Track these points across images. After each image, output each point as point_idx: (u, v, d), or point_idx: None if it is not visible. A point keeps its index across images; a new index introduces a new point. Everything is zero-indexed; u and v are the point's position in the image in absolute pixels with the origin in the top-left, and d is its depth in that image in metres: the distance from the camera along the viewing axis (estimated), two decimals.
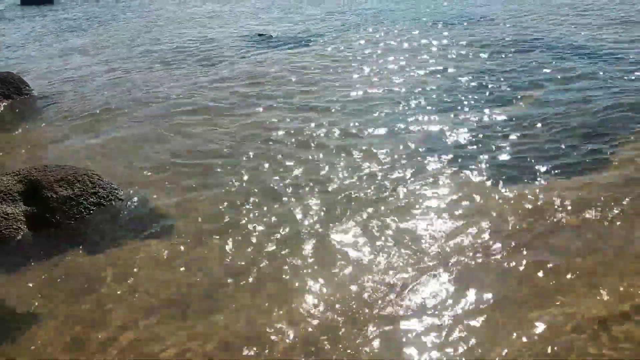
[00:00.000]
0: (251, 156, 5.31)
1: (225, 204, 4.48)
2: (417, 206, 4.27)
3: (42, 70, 9.43)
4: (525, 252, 3.63)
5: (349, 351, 2.94)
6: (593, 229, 3.83)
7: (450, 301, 3.25)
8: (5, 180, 4.51)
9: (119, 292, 3.53)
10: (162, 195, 4.71)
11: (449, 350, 2.89)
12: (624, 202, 4.07)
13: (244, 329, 3.14)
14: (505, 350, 2.85)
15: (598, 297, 3.17)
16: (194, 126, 6.20)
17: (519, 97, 6.38)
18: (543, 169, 4.68)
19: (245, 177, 4.90)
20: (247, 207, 4.43)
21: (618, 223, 3.87)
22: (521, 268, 3.48)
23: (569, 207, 4.08)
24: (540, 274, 3.41)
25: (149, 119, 6.59)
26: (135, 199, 4.66)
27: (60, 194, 4.41)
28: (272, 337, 3.07)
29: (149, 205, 4.56)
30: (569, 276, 3.37)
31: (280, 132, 5.84)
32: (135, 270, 3.75)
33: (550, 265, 3.48)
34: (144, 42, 11.16)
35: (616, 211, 3.99)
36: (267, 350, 2.98)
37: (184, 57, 9.52)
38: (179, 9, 15.28)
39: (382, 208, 4.26)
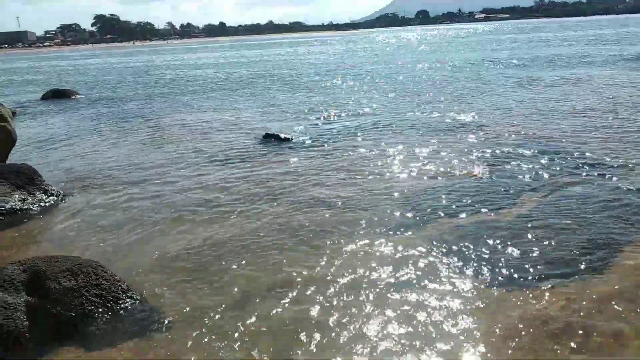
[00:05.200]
0: (256, 259, 5.33)
1: (228, 306, 4.44)
2: (417, 306, 4.24)
3: (56, 163, 9.77)
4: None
5: None
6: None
7: None
8: (10, 269, 4.51)
9: None
10: (165, 294, 4.67)
11: None
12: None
13: None
14: None
15: None
16: (204, 225, 6.29)
17: (521, 200, 6.53)
18: (545, 274, 4.70)
19: (250, 280, 4.88)
20: (253, 310, 4.39)
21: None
22: None
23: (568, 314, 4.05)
24: None
25: (159, 215, 6.71)
26: (138, 294, 4.62)
27: (63, 284, 4.39)
28: None
29: (150, 303, 4.52)
30: None
31: (287, 233, 5.92)
32: None
33: None
34: (156, 141, 11.65)
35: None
36: None
37: (197, 157, 9.87)
38: (193, 110, 16.09)
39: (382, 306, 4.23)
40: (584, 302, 4.20)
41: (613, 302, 4.18)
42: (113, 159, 9.94)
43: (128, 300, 4.48)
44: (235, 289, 4.69)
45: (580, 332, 3.82)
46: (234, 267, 5.13)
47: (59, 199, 7.54)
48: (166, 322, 4.22)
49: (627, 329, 3.84)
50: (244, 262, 5.22)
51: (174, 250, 5.57)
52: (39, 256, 4.87)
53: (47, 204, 7.33)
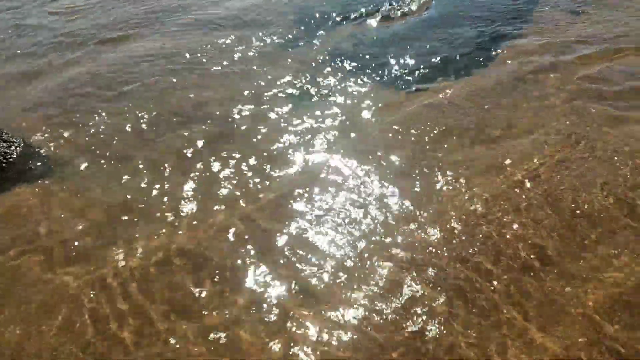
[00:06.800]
0: (149, 87, 4.95)
1: (122, 136, 4.22)
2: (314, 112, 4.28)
3: None
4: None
5: None
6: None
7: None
8: None
9: None
10: (51, 134, 4.32)
11: None
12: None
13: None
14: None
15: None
16: (84, 56, 5.60)
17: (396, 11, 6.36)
18: (433, 73, 4.82)
19: (145, 107, 4.59)
20: (151, 138, 4.22)
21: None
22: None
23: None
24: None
25: (28, 53, 5.86)
26: (17, 138, 4.23)
27: None
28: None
29: (34, 146, 4.19)
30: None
31: (179, 56, 5.47)
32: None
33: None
34: None
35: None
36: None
37: None
38: None
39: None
40: (470, 93, 4.42)
41: (497, 90, 4.44)
42: None
43: (4, 144, 4.09)
44: (125, 118, 4.43)
45: (473, 127, 4.09)
46: (123, 98, 4.76)
47: None
48: (46, 163, 3.97)
49: (513, 116, 4.15)
50: (134, 91, 4.84)
51: (50, 87, 5.01)
52: None
53: None
